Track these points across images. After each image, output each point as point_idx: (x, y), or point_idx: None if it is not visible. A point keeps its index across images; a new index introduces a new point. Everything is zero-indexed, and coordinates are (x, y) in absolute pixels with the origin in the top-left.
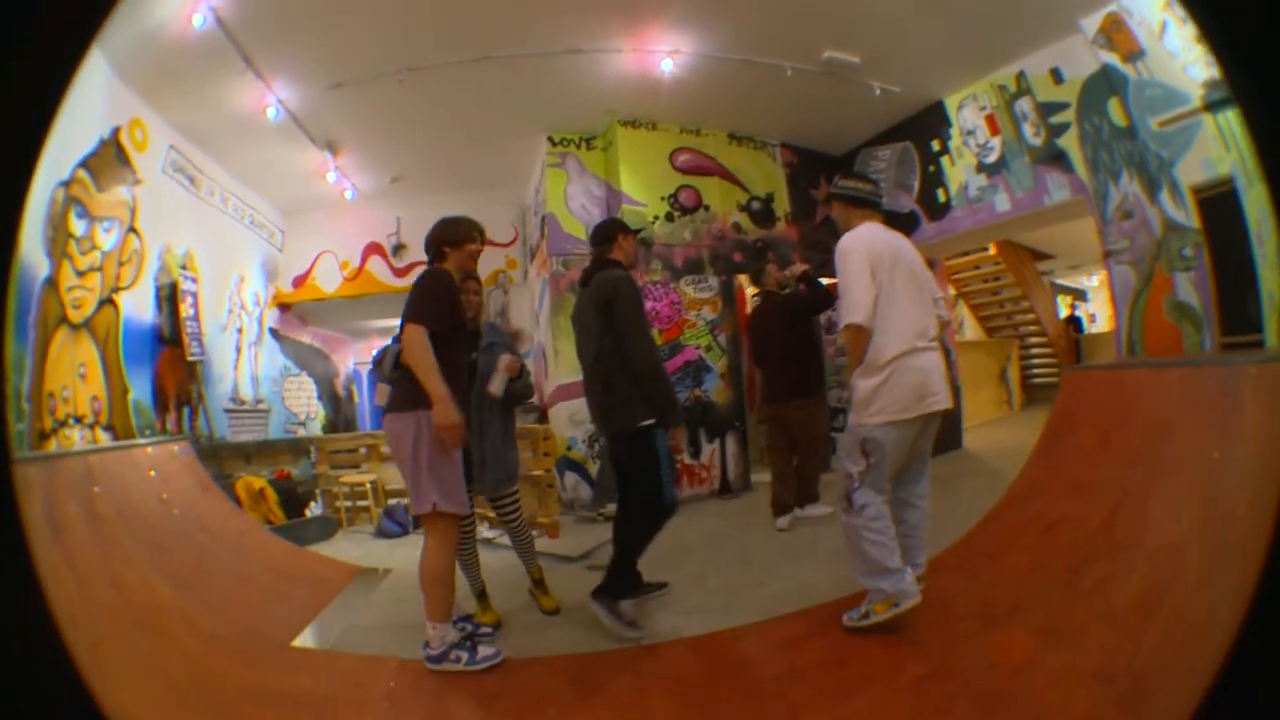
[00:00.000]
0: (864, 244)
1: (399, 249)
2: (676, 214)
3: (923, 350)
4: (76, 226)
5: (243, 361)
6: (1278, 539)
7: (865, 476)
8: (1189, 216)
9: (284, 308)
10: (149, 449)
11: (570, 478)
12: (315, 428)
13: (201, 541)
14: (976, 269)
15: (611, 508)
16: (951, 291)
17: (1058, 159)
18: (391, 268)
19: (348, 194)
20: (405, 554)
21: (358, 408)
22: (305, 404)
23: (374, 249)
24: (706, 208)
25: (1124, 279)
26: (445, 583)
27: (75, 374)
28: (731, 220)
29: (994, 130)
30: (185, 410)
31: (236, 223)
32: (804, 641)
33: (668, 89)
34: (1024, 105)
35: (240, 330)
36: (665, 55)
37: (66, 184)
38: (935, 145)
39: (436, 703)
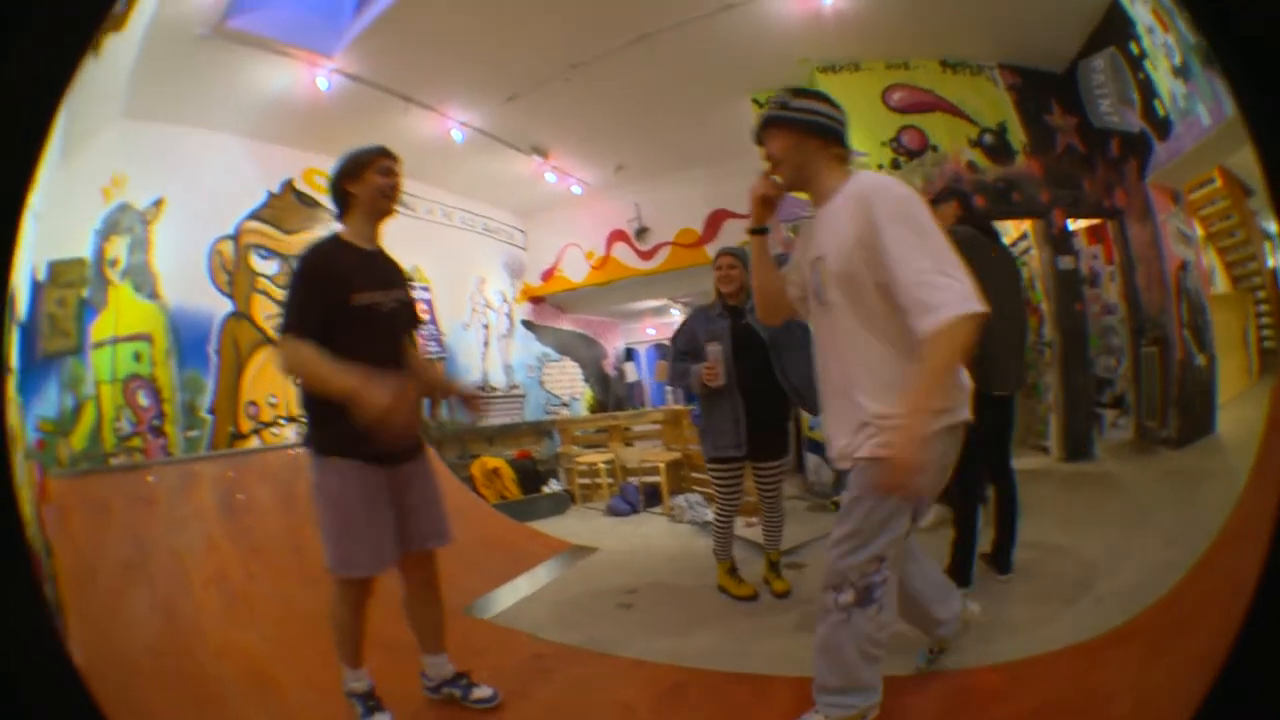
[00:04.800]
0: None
1: (642, 232)
2: (903, 159)
3: None
4: (264, 266)
5: (490, 353)
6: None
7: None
8: None
9: (536, 300)
10: None
11: (812, 459)
12: (579, 408)
13: None
14: (1212, 204)
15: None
16: (1199, 232)
17: None
18: (637, 251)
19: (574, 189)
20: (623, 533)
21: (633, 387)
22: (568, 386)
23: (618, 235)
24: (935, 148)
25: None
26: (345, 633)
27: (286, 383)
28: (965, 159)
29: (1163, 25)
30: (426, 402)
31: (466, 232)
32: None
33: (851, 20)
34: None
35: (486, 326)
36: None
37: (234, 237)
38: (1133, 48)
39: (528, 685)
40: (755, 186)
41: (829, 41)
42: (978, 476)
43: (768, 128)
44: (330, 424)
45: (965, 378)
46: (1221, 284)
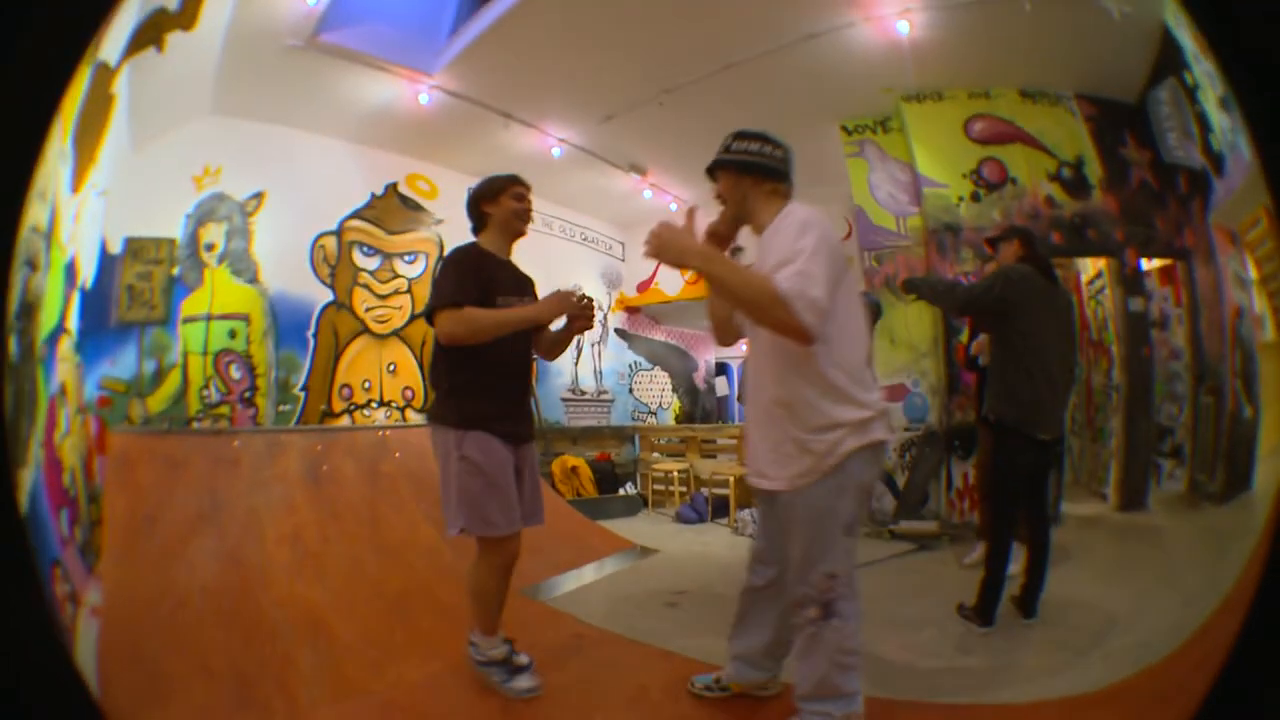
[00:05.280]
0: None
1: (736, 251)
2: (982, 191)
3: None
4: (366, 262)
5: (582, 358)
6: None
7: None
8: None
9: (631, 310)
10: None
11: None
12: (666, 417)
13: None
14: (1263, 245)
15: (904, 524)
16: (1254, 275)
17: None
18: None
19: (671, 206)
20: (686, 539)
21: (722, 401)
22: (657, 395)
23: None
24: (1014, 181)
25: None
26: (487, 601)
27: (381, 370)
28: (1043, 193)
29: (1203, 48)
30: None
31: (565, 241)
32: None
33: (931, 49)
34: None
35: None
36: (897, 17)
37: (336, 232)
38: (1187, 77)
39: (562, 658)
40: (709, 224)
41: (911, 70)
42: (1012, 516)
43: (713, 170)
44: (472, 401)
45: (882, 402)
46: (1270, 331)
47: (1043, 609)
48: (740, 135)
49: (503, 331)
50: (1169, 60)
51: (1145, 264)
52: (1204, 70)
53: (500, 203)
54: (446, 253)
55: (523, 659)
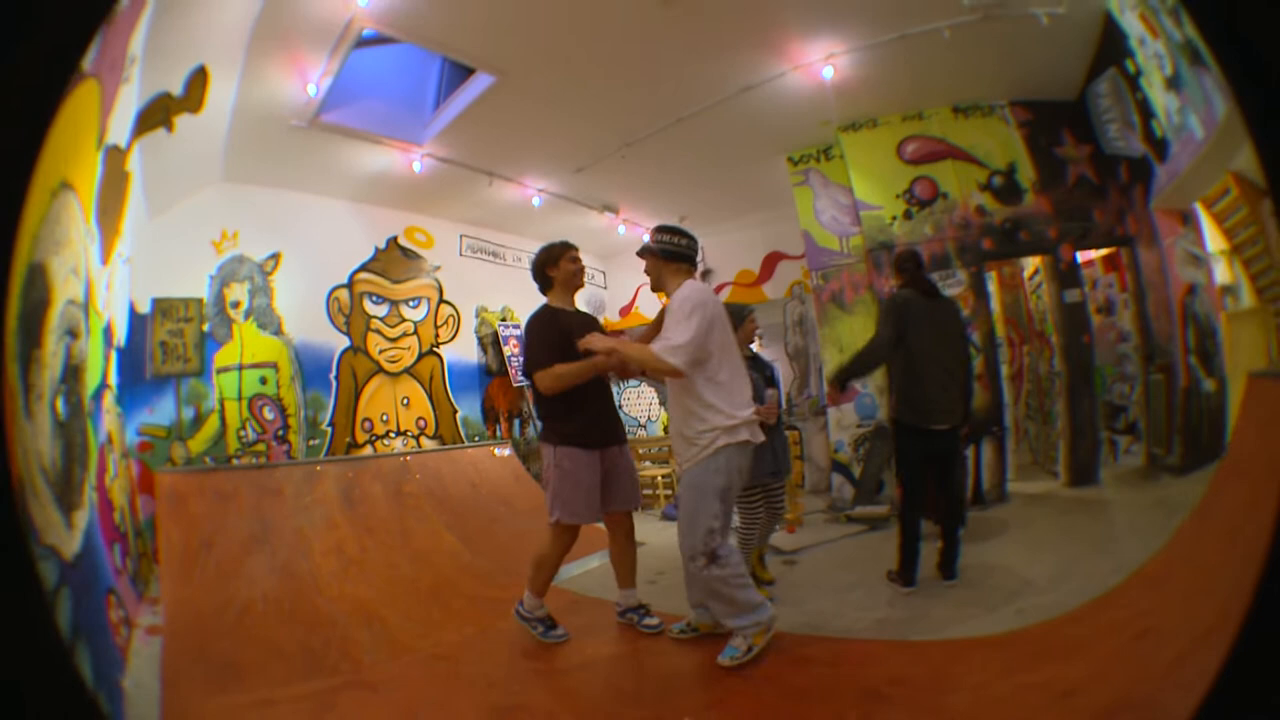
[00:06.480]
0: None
1: (706, 274)
2: (914, 209)
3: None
4: (376, 309)
5: None
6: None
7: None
8: None
9: (615, 334)
10: (469, 451)
11: (836, 479)
12: (655, 429)
13: (497, 512)
14: (1236, 212)
15: (859, 509)
16: (1224, 245)
17: None
18: None
19: (645, 238)
20: (669, 534)
21: None
22: (645, 410)
23: None
24: (944, 195)
25: None
26: (546, 570)
27: (396, 404)
28: (974, 204)
29: (1152, 31)
30: (516, 421)
31: None
32: None
33: (861, 83)
34: None
35: None
36: (823, 63)
37: (348, 285)
38: (1129, 65)
39: (562, 617)
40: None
41: (836, 108)
42: (918, 494)
43: (641, 253)
44: (564, 424)
45: (750, 415)
46: (1248, 299)
47: (966, 573)
48: (659, 229)
49: (583, 378)
50: (1110, 50)
51: (1084, 256)
52: (1150, 53)
53: (560, 266)
54: (528, 318)
55: (653, 620)
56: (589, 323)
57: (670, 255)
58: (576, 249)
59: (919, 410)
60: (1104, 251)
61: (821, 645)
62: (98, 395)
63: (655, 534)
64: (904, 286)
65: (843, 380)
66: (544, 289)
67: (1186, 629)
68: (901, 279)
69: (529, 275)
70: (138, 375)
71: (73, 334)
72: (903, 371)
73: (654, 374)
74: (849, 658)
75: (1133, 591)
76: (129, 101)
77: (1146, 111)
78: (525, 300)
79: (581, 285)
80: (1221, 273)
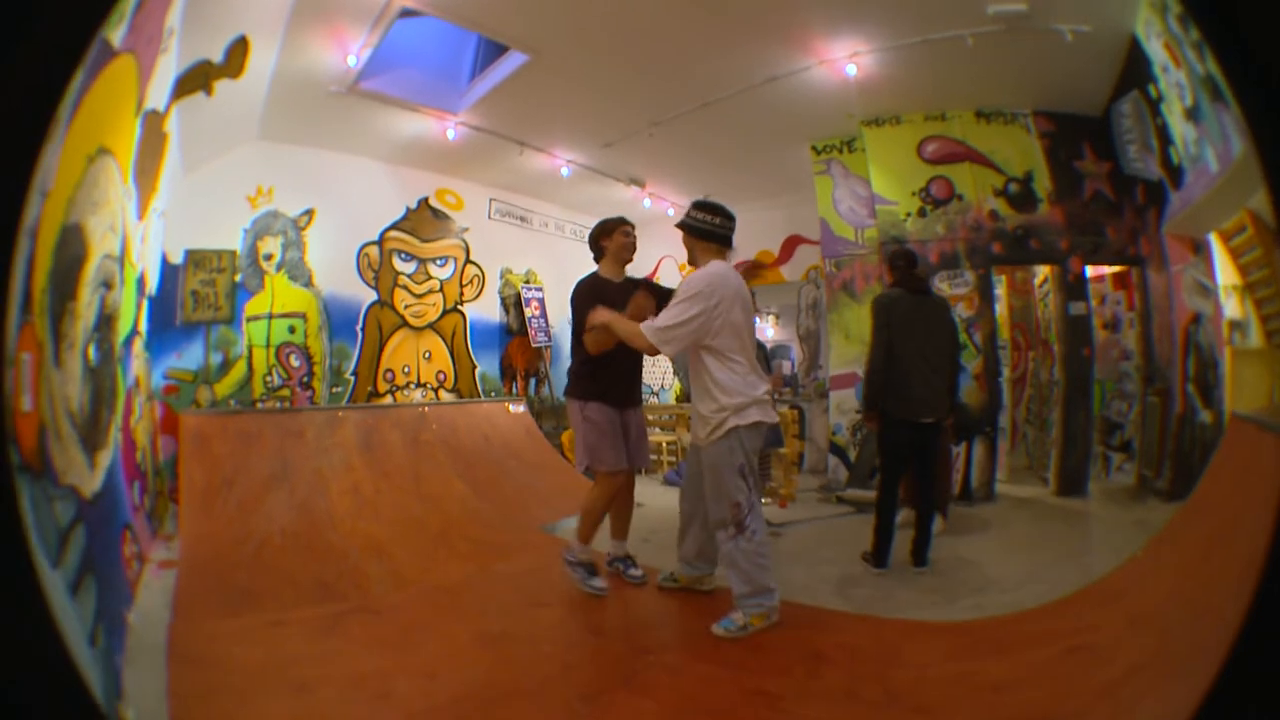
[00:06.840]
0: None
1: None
2: (929, 208)
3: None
4: (404, 267)
5: None
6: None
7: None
8: None
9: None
10: (484, 405)
11: (833, 460)
12: (667, 397)
13: (507, 465)
14: (1251, 251)
15: (850, 492)
16: (1236, 280)
17: None
18: None
19: (669, 211)
20: (669, 497)
21: None
22: (660, 378)
23: None
24: (960, 197)
25: None
26: (593, 518)
27: (418, 357)
28: (988, 208)
29: (1175, 60)
30: (532, 381)
31: (576, 243)
32: None
33: (887, 80)
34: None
35: None
36: (847, 60)
37: (378, 242)
38: (1152, 90)
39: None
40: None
41: (859, 104)
42: (894, 483)
43: (679, 227)
44: (593, 382)
45: (762, 395)
46: (1257, 339)
47: (938, 564)
48: (696, 205)
49: (603, 346)
50: (1134, 73)
51: (1093, 270)
52: (1172, 81)
53: (614, 238)
54: (576, 284)
55: (637, 572)
56: (628, 290)
57: (701, 234)
58: (632, 225)
59: (906, 404)
60: (1116, 269)
61: (784, 609)
62: (128, 341)
63: (655, 497)
64: (895, 284)
65: (869, 405)
66: (597, 258)
67: (1122, 655)
68: (893, 276)
69: (555, 241)
70: (168, 322)
71: (107, 285)
72: (892, 367)
73: (638, 350)
74: (806, 621)
75: (1082, 605)
76: (167, 70)
77: (1165, 138)
78: (549, 264)
79: (630, 259)
80: (1232, 308)
